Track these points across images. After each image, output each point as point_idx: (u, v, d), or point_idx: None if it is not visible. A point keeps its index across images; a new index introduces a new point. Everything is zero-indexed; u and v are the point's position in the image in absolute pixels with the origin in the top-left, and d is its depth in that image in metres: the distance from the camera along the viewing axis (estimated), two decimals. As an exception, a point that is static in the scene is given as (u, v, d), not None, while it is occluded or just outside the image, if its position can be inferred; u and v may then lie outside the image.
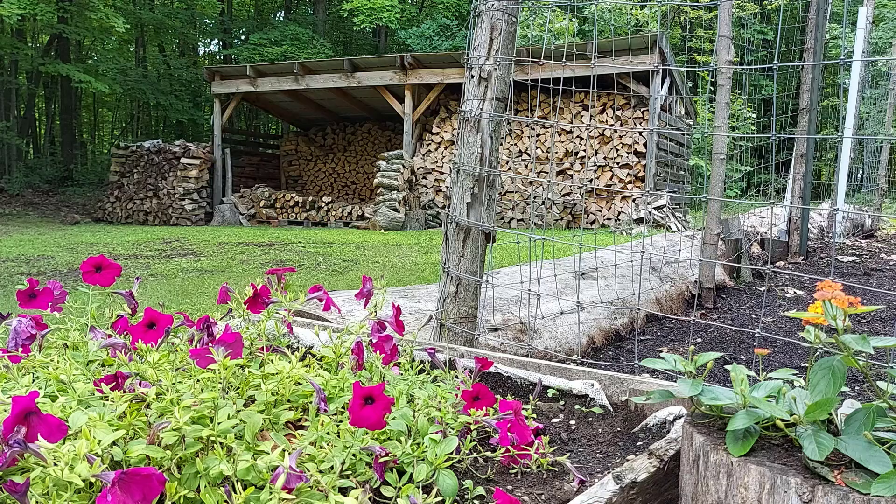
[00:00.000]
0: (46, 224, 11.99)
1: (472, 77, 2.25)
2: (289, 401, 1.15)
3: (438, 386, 1.34)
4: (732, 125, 11.03)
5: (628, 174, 10.90)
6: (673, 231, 8.93)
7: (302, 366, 1.15)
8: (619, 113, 11.12)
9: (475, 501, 1.04)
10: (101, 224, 12.46)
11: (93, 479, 0.85)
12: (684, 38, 18.13)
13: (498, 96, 2.24)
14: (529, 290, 2.58)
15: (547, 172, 11.05)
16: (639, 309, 3.39)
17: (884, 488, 0.83)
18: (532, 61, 2.71)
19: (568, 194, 11.35)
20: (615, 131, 10.94)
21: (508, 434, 1.10)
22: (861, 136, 8.23)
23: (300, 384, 1.16)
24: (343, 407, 1.15)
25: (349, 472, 1.01)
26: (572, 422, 1.39)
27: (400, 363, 1.45)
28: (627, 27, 14.86)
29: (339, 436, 1.02)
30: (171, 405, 1.00)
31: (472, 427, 1.14)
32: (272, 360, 1.17)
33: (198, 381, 1.09)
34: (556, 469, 1.15)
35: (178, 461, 0.95)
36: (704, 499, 1.00)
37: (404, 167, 11.51)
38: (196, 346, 1.25)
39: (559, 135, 11.26)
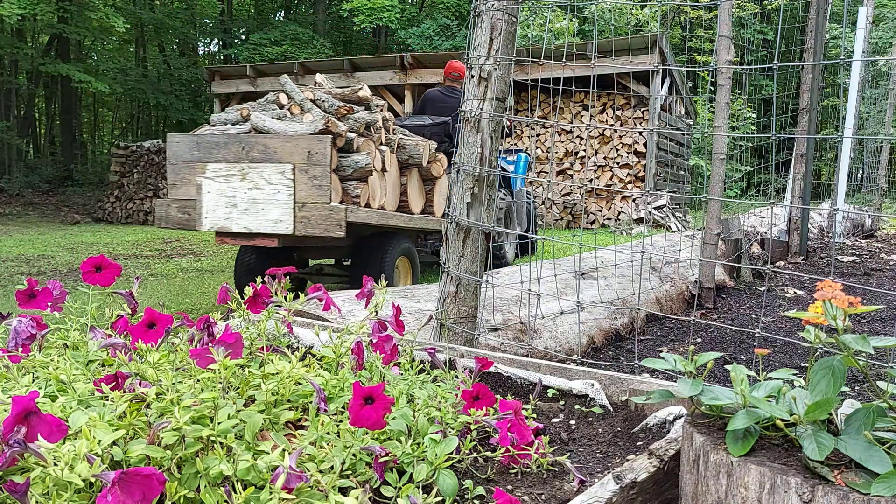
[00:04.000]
0: (46, 224, 11.98)
1: (472, 77, 2.25)
2: (289, 401, 1.15)
3: (438, 386, 1.34)
4: (732, 125, 11.02)
5: (628, 174, 10.89)
6: (673, 231, 8.93)
7: (302, 366, 1.15)
8: (619, 113, 11.12)
9: (475, 501, 1.04)
10: (101, 224, 12.45)
11: (93, 479, 0.85)
12: (684, 38, 18.11)
13: (498, 96, 2.24)
14: (529, 290, 2.57)
15: (547, 172, 11.05)
16: (639, 309, 3.39)
17: (884, 488, 0.83)
18: (532, 61, 2.71)
19: (568, 194, 11.34)
20: (615, 131, 10.93)
21: (508, 434, 1.10)
22: (861, 136, 8.22)
23: (300, 384, 1.16)
24: (343, 407, 1.15)
25: (349, 472, 1.01)
26: (572, 422, 1.39)
27: (400, 363, 1.45)
28: (627, 27, 14.85)
29: (339, 436, 1.02)
30: (171, 405, 1.00)
31: (472, 427, 1.14)
32: (272, 360, 1.17)
33: (198, 380, 1.09)
34: (556, 469, 1.15)
35: (178, 461, 0.95)
36: (704, 499, 1.00)
37: (404, 167, 11.49)
38: (196, 346, 1.25)
39: (559, 135, 11.25)
